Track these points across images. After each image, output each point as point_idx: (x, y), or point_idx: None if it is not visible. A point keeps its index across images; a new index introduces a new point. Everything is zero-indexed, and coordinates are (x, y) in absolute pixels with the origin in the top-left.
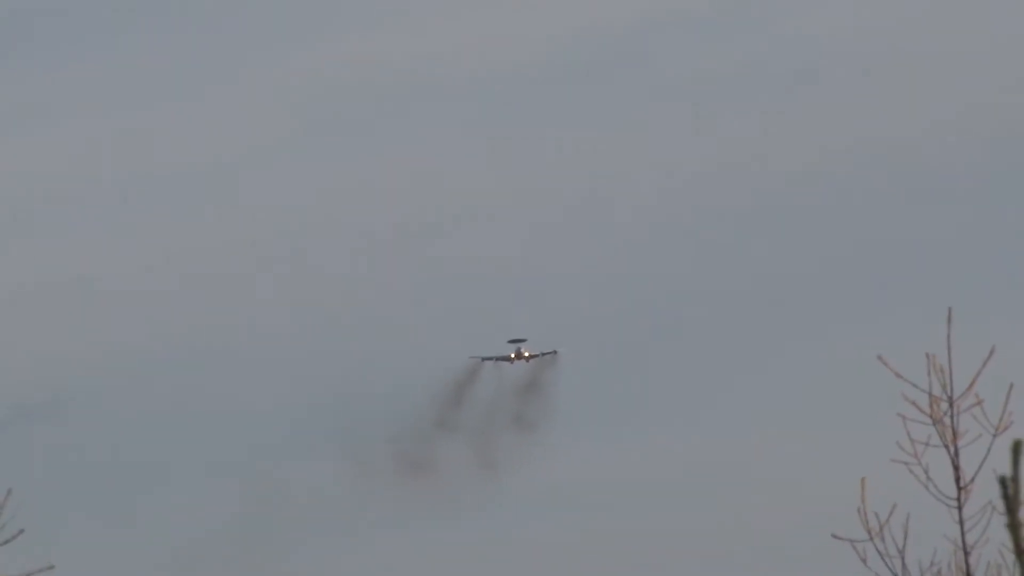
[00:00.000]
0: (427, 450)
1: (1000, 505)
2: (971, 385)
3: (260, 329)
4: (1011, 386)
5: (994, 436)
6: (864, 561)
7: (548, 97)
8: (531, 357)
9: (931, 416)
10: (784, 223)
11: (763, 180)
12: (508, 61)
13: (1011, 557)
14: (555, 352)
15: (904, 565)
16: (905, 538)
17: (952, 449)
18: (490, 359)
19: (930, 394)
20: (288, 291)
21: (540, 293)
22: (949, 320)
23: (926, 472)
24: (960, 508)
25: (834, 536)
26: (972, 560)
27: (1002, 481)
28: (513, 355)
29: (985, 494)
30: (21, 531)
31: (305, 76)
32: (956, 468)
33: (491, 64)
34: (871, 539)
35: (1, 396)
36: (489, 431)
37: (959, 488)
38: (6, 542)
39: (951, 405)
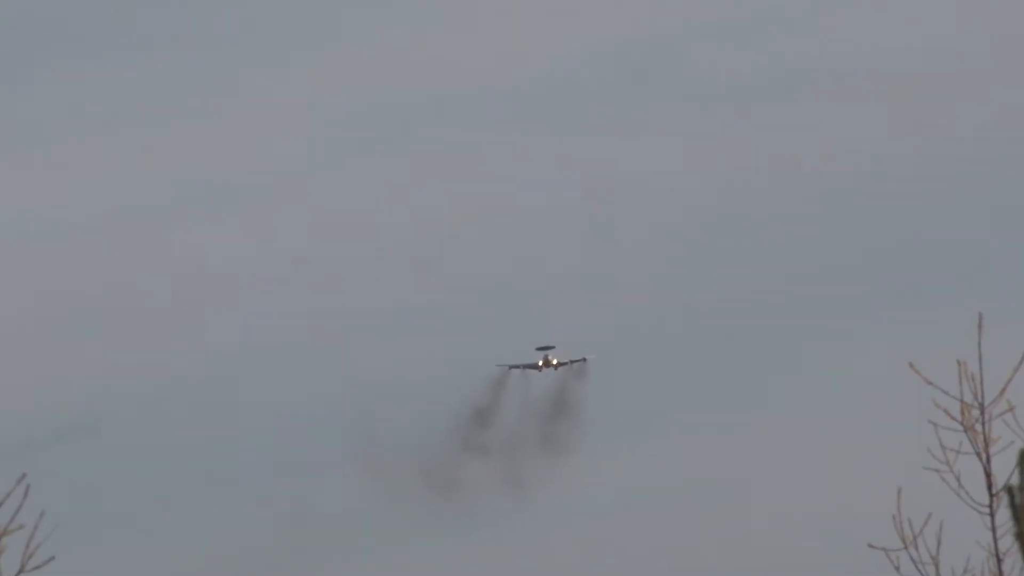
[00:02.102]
0: (454, 466)
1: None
2: (1002, 392)
3: (285, 343)
4: None
5: (1022, 448)
6: (898, 569)
7: (572, 104)
8: (560, 364)
9: (962, 423)
10: (815, 229)
11: (792, 186)
12: (528, 70)
13: None
14: (584, 359)
15: (938, 573)
16: (939, 546)
17: (984, 456)
18: (518, 367)
19: (961, 401)
20: (311, 303)
21: (568, 300)
22: (980, 326)
23: (958, 479)
24: (992, 515)
25: (870, 546)
26: (1005, 567)
27: (1009, 490)
28: (541, 363)
29: None
30: (52, 558)
31: (318, 94)
32: (988, 475)
33: (511, 73)
34: (905, 548)
35: (34, 420)
36: (517, 451)
37: (991, 495)
38: (37, 568)
39: (982, 412)
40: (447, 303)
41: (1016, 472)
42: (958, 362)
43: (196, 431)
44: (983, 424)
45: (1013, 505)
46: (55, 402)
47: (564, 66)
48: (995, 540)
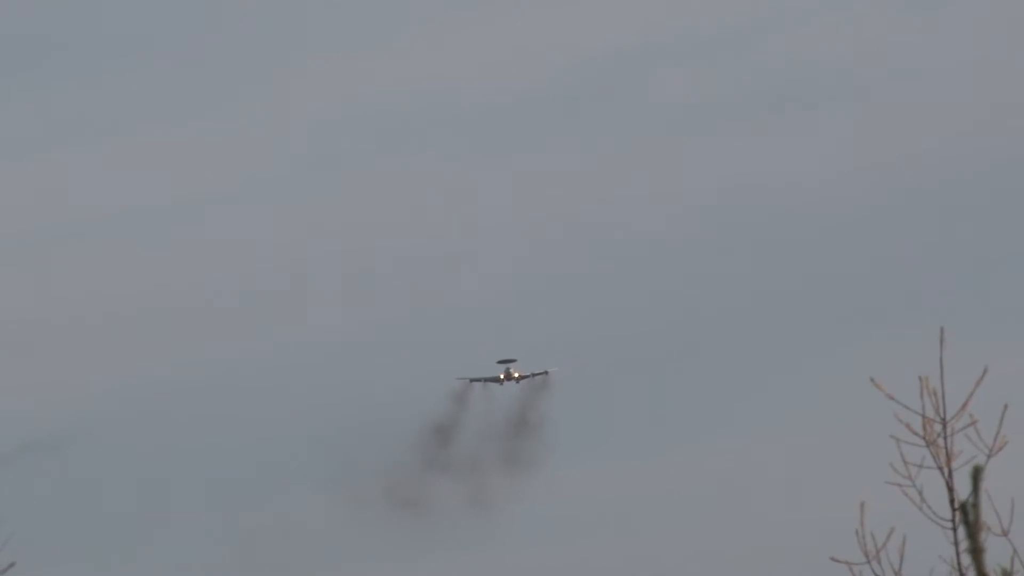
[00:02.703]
0: (418, 483)
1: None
2: (964, 406)
3: (249, 359)
4: (1005, 407)
5: (988, 457)
6: None
7: (538, 122)
8: (522, 378)
9: (924, 438)
10: (776, 244)
11: (756, 200)
12: (495, 88)
13: None
14: (546, 372)
15: None
16: (901, 560)
17: (946, 470)
18: (479, 380)
19: (923, 416)
20: (275, 321)
21: (530, 314)
22: (941, 341)
23: (920, 494)
24: (955, 529)
25: (833, 559)
26: None
27: (963, 507)
28: (503, 376)
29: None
30: (12, 564)
31: (298, 105)
32: (950, 489)
33: (477, 91)
34: (868, 562)
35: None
36: (480, 467)
37: (953, 509)
38: (3, 572)
39: (944, 426)
40: (407, 317)
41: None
42: (920, 377)
43: (159, 451)
44: (945, 439)
45: (967, 522)
46: (25, 415)
47: (529, 84)
48: (957, 555)
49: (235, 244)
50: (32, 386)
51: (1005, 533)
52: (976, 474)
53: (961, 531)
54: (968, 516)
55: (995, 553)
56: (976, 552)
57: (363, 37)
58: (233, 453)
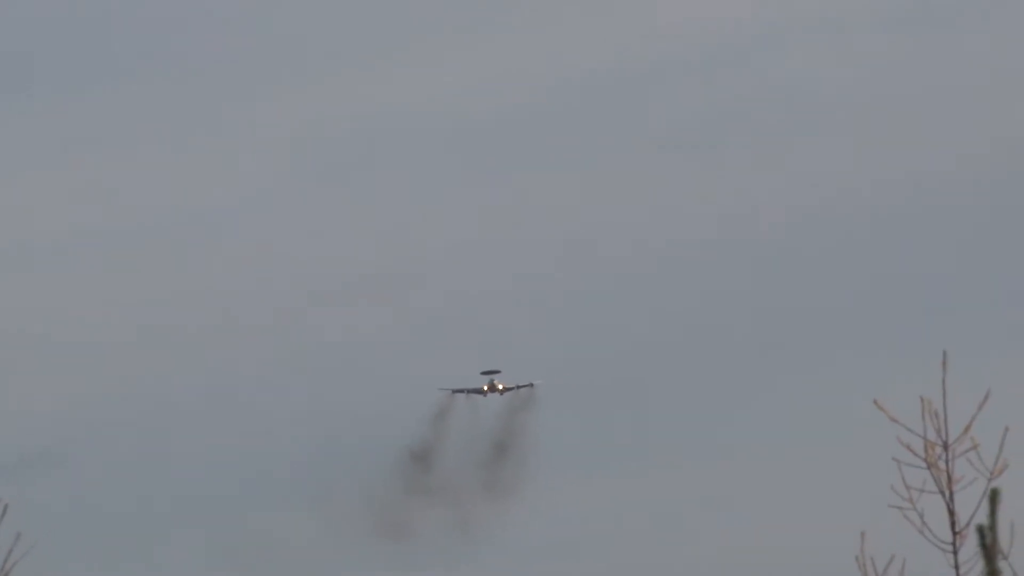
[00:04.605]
0: (401, 507)
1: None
2: (966, 429)
3: (228, 377)
4: (1006, 429)
5: (989, 480)
6: None
7: (530, 137)
8: (506, 390)
9: (926, 460)
10: (777, 265)
11: (754, 218)
12: (493, 104)
13: None
14: (531, 384)
15: None
16: None
17: (948, 494)
18: (462, 391)
19: (925, 438)
20: (257, 338)
21: (515, 323)
22: (944, 363)
23: (921, 517)
24: (956, 553)
25: None
26: None
27: (979, 530)
28: (487, 387)
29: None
30: None
31: (285, 123)
32: (952, 513)
33: (466, 108)
34: None
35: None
36: (463, 485)
37: (954, 533)
38: None
39: (946, 449)
40: (391, 326)
41: (986, 511)
42: (921, 399)
43: (139, 470)
44: (947, 462)
45: (983, 544)
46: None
47: (525, 101)
48: None
49: (222, 261)
50: (17, 400)
51: (1005, 557)
52: (993, 497)
53: (962, 555)
54: (984, 539)
55: None
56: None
57: (362, 53)
58: (215, 469)
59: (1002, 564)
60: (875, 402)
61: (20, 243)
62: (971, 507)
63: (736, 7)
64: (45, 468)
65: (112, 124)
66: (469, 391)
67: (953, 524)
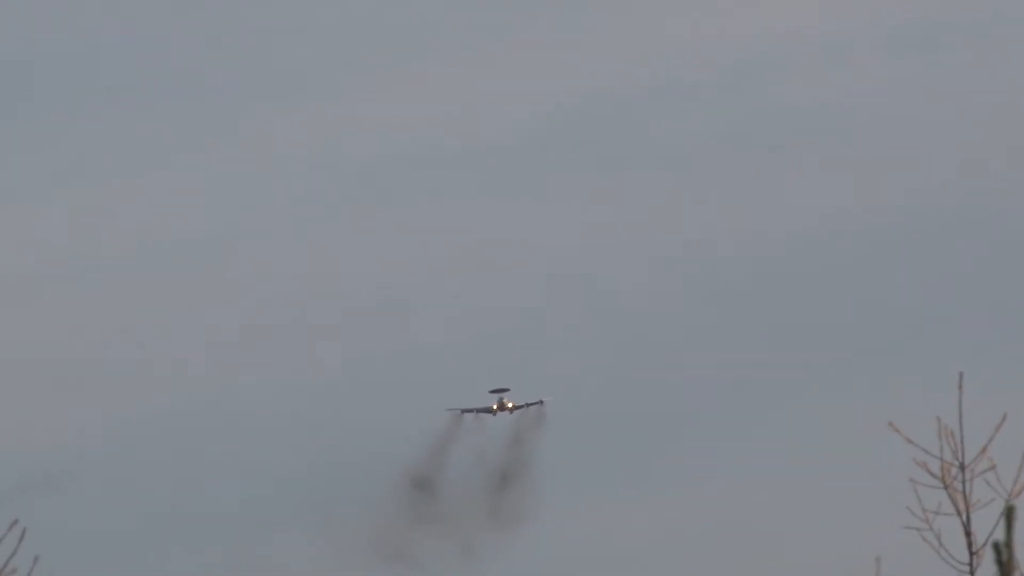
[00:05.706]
0: (406, 530)
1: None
2: (983, 450)
3: (233, 398)
4: None
5: (1006, 501)
6: None
7: (532, 162)
8: (515, 408)
9: (943, 482)
10: (790, 285)
11: (764, 243)
12: (495, 130)
13: None
14: (541, 402)
15: None
16: None
17: (964, 515)
18: (471, 411)
19: (941, 459)
20: (263, 359)
21: (525, 341)
22: (960, 386)
23: (938, 538)
24: (972, 574)
25: None
26: None
27: (996, 547)
28: (495, 406)
29: None
30: None
31: (292, 147)
32: (968, 534)
33: (476, 132)
34: None
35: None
36: (470, 507)
37: (971, 554)
38: None
39: (962, 470)
40: (400, 347)
41: (1002, 528)
42: (937, 420)
43: (143, 490)
44: (963, 483)
45: (999, 561)
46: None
47: (521, 127)
48: None
49: (226, 283)
50: (24, 422)
51: (1022, 574)
52: (1009, 513)
53: (980, 573)
54: (1001, 556)
55: None
56: None
57: (355, 81)
58: (220, 492)
59: None
60: (891, 424)
61: (24, 268)
62: (988, 528)
63: (742, 26)
64: (45, 491)
65: (114, 147)
66: (478, 411)
67: (970, 545)
